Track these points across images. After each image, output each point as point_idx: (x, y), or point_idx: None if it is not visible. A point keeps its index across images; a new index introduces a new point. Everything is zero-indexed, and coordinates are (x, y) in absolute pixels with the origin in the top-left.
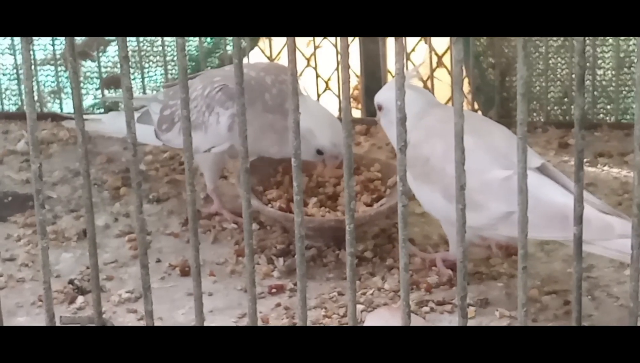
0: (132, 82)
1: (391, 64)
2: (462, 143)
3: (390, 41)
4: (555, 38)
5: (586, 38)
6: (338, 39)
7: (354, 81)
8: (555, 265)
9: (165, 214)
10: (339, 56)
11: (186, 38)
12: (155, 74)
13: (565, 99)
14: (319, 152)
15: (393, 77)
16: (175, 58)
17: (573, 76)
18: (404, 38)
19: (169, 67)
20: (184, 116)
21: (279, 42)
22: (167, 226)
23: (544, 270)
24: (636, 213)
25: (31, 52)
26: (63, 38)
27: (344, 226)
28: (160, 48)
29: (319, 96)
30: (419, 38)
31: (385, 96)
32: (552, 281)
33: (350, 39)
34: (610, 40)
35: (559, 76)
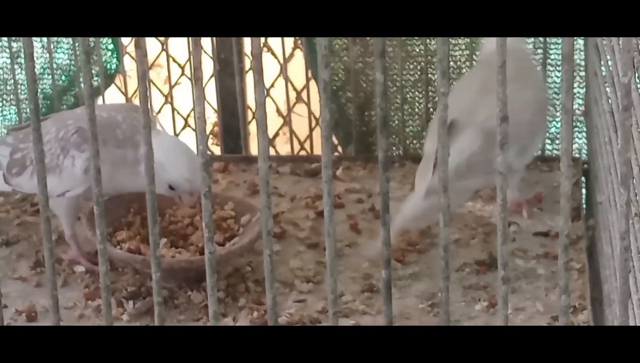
0: None
1: (251, 100)
2: None
3: (249, 76)
4: (412, 72)
5: None
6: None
7: (213, 118)
8: None
9: (14, 258)
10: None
11: (39, 75)
12: (10, 113)
13: (424, 133)
14: (171, 187)
15: (253, 112)
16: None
17: (431, 109)
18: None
19: (23, 105)
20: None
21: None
22: (15, 270)
23: None
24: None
25: None
26: None
27: (196, 267)
28: (12, 87)
29: (177, 134)
30: (277, 73)
31: None
32: None
33: (208, 74)
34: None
35: (416, 110)
